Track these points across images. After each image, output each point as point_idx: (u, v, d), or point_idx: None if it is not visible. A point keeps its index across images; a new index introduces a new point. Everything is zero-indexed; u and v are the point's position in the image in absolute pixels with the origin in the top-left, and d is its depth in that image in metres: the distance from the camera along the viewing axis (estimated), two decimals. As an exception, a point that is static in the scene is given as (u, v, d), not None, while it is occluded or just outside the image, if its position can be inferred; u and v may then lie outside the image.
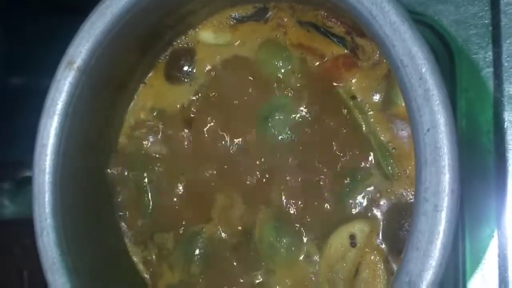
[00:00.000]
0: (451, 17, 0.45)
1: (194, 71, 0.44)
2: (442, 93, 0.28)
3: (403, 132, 0.37)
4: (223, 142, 0.42)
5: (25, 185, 0.58)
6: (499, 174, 0.42)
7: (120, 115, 0.45)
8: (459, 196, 0.27)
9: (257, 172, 0.41)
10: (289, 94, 0.41)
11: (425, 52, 0.28)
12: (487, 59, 0.44)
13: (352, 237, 0.38)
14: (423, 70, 0.28)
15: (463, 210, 0.43)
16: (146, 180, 0.44)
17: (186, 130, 0.43)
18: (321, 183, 0.39)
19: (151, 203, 0.44)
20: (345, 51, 0.39)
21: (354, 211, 0.38)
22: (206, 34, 0.44)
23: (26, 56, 0.59)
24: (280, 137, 0.40)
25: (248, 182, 0.41)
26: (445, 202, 0.27)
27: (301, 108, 0.40)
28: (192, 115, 0.43)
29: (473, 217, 0.42)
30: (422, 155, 0.28)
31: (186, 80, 0.44)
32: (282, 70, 0.41)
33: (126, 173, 0.44)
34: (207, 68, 0.44)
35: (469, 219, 0.43)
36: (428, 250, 0.27)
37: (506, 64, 0.43)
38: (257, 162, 0.41)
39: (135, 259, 0.44)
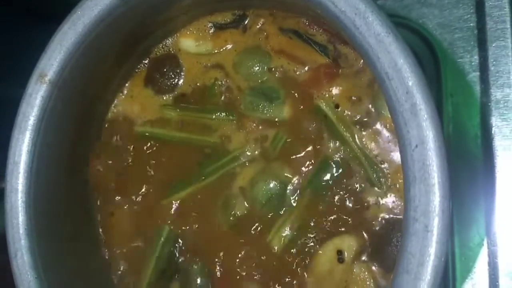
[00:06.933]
0: (436, 20, 0.44)
1: (182, 75, 0.42)
2: (430, 108, 0.26)
3: (391, 144, 0.36)
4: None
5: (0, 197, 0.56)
6: (487, 181, 0.41)
7: (96, 128, 0.44)
8: (450, 215, 0.26)
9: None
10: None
11: (411, 64, 0.27)
12: (473, 63, 0.43)
13: (340, 252, 0.37)
14: (410, 84, 0.27)
15: (451, 218, 0.42)
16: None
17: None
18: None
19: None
20: (327, 60, 0.38)
21: (342, 226, 0.37)
22: (186, 42, 0.42)
23: (1, 65, 0.57)
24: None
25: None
26: (436, 222, 0.26)
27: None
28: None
29: (462, 225, 0.41)
30: (411, 172, 0.27)
31: (170, 85, 0.42)
32: (258, 70, 0.40)
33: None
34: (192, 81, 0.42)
35: (458, 227, 0.42)
36: (419, 273, 0.26)
37: (492, 68, 0.42)
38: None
39: (114, 280, 0.43)
